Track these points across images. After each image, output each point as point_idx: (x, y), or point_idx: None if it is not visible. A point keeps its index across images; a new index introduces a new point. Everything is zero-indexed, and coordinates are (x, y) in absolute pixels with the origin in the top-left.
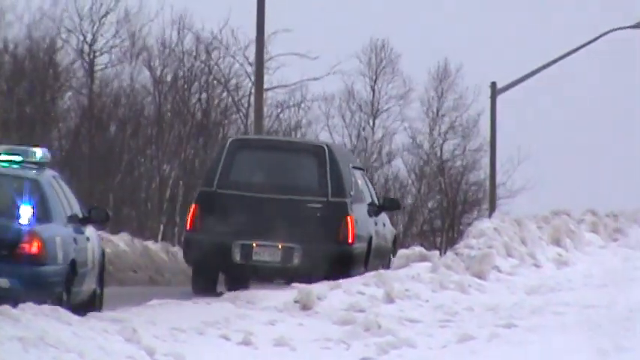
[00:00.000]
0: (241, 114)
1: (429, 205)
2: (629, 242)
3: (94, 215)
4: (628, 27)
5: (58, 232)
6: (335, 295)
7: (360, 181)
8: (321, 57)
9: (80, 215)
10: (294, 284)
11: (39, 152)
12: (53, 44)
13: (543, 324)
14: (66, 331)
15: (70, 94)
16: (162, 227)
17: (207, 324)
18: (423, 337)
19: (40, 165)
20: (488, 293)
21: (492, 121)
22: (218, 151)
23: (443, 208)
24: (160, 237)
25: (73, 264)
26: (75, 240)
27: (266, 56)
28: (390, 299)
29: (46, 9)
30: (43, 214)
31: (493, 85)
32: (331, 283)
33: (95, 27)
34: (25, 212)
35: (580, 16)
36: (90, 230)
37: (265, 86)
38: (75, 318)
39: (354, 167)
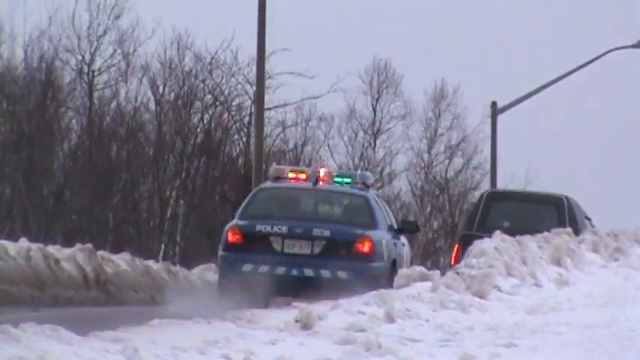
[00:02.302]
0: (242, 133)
1: (434, 225)
2: (630, 262)
3: (405, 227)
4: (629, 46)
5: (383, 237)
6: (335, 314)
7: (589, 227)
8: (325, 77)
9: (395, 226)
10: (294, 304)
11: (364, 175)
12: (52, 64)
13: (544, 343)
14: (67, 351)
15: (70, 114)
16: (163, 247)
17: (208, 343)
18: (423, 356)
19: (365, 185)
20: (488, 313)
21: (493, 141)
22: (477, 201)
23: (445, 227)
24: (160, 256)
25: (393, 263)
26: (394, 244)
27: (265, 75)
28: (390, 319)
29: (44, 28)
30: (370, 223)
31: (494, 104)
32: (332, 302)
33: (93, 47)
34: (358, 220)
35: (581, 35)
36: (403, 238)
37: (266, 105)
38: (76, 338)
39: (585, 217)
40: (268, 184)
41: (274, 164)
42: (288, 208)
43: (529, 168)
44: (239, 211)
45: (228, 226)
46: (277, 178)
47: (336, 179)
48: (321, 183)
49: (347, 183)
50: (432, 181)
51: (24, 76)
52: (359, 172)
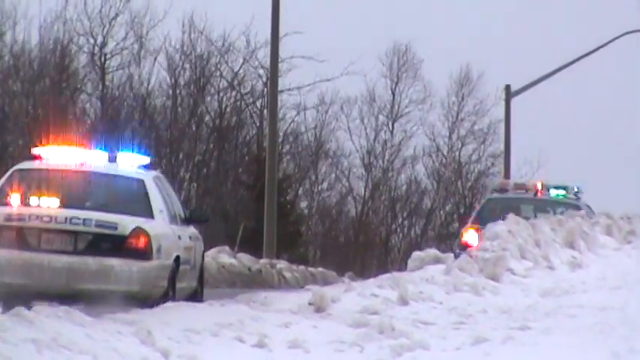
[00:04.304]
0: (255, 117)
1: (447, 208)
2: None
3: None
4: None
5: None
6: (349, 297)
7: None
8: (343, 60)
9: None
10: (307, 286)
11: (576, 188)
12: (66, 47)
13: (557, 326)
14: (79, 332)
15: (85, 96)
16: None
17: (221, 326)
18: (436, 339)
19: (577, 196)
20: (502, 295)
21: (507, 123)
22: None
23: (457, 211)
24: None
25: None
26: None
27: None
28: (403, 302)
29: (58, 11)
30: None
31: (507, 87)
32: (346, 285)
33: (105, 29)
34: None
35: (595, 19)
36: None
37: (279, 88)
38: (88, 319)
39: None
40: (495, 195)
41: (500, 178)
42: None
43: (540, 152)
44: (472, 218)
45: (463, 229)
46: (502, 190)
47: (552, 190)
48: (539, 194)
49: (562, 195)
50: (450, 165)
51: (39, 59)
52: (572, 185)
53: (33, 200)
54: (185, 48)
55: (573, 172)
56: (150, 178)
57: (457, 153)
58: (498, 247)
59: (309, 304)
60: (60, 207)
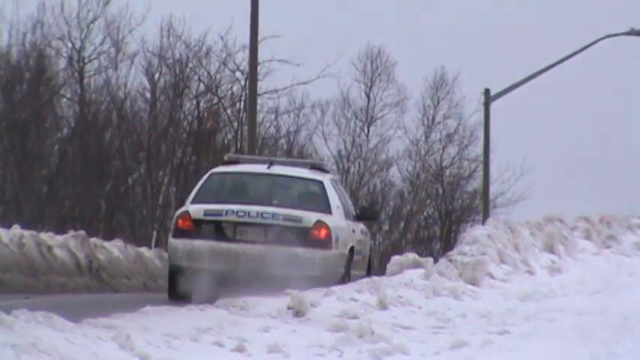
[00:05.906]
0: (233, 120)
1: (426, 212)
2: (622, 249)
3: None
4: (622, 34)
5: None
6: (328, 301)
7: None
8: (319, 64)
9: None
10: (287, 290)
11: None
12: (43, 52)
13: (536, 331)
14: (59, 337)
15: (64, 100)
16: (155, 234)
17: (200, 330)
18: (416, 343)
19: None
20: (481, 300)
21: (486, 128)
22: None
23: (439, 215)
24: (153, 243)
25: None
26: None
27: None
28: (383, 306)
29: (36, 16)
30: None
31: (487, 91)
32: (325, 289)
33: (83, 34)
34: None
35: (576, 22)
36: None
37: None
38: (68, 325)
39: None
40: None
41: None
42: None
43: (525, 159)
44: None
45: None
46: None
47: None
48: None
49: None
50: (428, 168)
51: (17, 63)
52: None
53: (228, 198)
54: (163, 52)
55: (557, 178)
56: (327, 179)
57: (434, 156)
58: (477, 252)
59: (289, 308)
60: (252, 204)
